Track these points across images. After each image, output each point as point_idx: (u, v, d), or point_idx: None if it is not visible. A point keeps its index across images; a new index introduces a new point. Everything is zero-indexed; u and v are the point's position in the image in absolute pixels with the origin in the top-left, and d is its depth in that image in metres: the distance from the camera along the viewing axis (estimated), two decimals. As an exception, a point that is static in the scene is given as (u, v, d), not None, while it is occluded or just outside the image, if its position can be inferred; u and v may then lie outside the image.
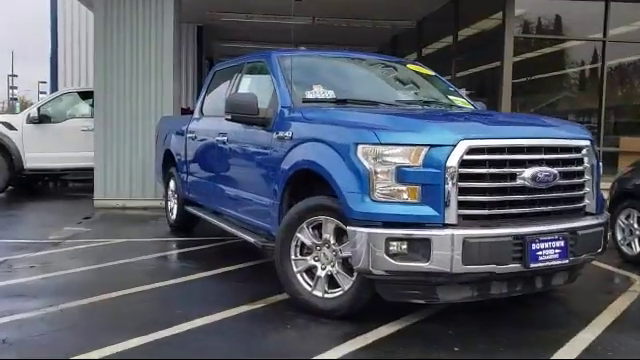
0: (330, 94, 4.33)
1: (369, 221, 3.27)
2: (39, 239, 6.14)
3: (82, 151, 9.61)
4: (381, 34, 14.04)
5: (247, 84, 5.10)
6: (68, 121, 10.06)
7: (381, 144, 3.28)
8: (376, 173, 3.27)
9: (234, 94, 4.43)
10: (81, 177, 10.70)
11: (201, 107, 6.08)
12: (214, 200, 5.47)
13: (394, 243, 3.20)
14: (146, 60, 8.50)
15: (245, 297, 4.10)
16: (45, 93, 35.72)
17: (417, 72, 5.05)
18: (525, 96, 10.03)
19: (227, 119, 4.48)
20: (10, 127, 9.78)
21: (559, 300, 4.23)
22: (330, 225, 3.63)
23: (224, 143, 5.07)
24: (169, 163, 6.86)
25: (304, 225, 3.73)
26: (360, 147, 3.33)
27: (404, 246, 3.20)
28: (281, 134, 4.10)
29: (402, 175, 3.23)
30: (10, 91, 42.85)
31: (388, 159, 3.26)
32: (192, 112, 11.98)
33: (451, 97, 4.78)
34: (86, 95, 10.42)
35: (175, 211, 6.70)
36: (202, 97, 6.13)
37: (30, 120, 9.81)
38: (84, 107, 10.46)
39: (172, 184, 6.82)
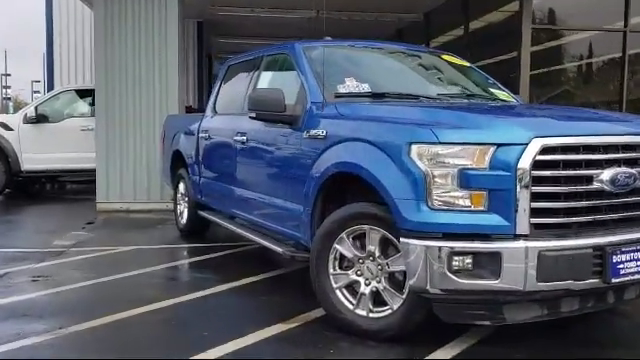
0: (365, 87, 3.88)
1: (426, 232, 2.83)
2: (41, 248, 5.67)
3: (82, 152, 9.14)
4: (386, 27, 13.58)
5: (267, 79, 4.65)
6: (67, 120, 9.56)
7: (440, 143, 2.83)
8: (434, 177, 2.83)
9: (258, 90, 3.98)
10: (79, 178, 10.22)
11: (214, 104, 5.62)
12: (231, 205, 5.02)
13: (458, 258, 2.76)
14: (149, 57, 8.01)
15: (275, 314, 3.65)
16: (39, 92, 35.10)
17: (452, 63, 4.61)
18: (542, 88, 9.62)
19: (251, 117, 4.03)
20: (6, 127, 9.27)
21: (622, 313, 3.81)
22: (375, 235, 3.19)
23: (243, 143, 4.61)
24: (178, 164, 6.40)
25: (344, 235, 3.29)
26: (414, 147, 2.88)
27: (469, 261, 2.77)
28: (312, 133, 3.65)
29: (465, 179, 2.79)
30: (3, 91, 42.12)
31: (448, 160, 2.82)
32: (195, 110, 11.60)
33: (492, 90, 4.35)
34: (84, 93, 9.93)
35: (185, 215, 6.24)
36: (215, 94, 5.67)
37: (27, 120, 9.31)
38: (83, 106, 9.97)
39: (182, 187, 6.36)
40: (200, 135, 5.63)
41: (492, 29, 10.26)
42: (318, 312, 3.61)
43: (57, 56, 14.14)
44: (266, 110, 3.90)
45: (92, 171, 8.46)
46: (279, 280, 4.56)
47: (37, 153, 9.27)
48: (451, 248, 2.76)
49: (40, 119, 9.35)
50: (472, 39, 10.60)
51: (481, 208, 2.79)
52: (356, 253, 3.27)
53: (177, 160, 6.43)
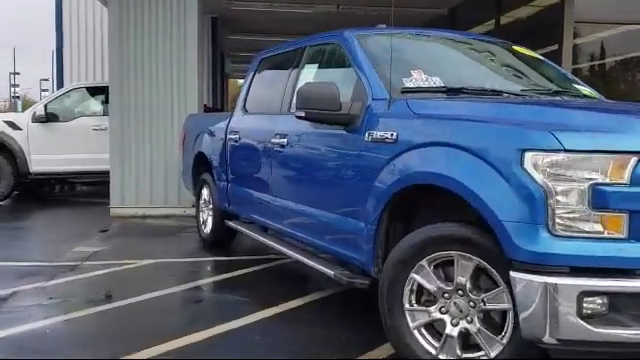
0: (436, 81, 3.22)
1: (547, 265, 2.18)
2: (52, 261, 5.04)
3: (94, 153, 8.51)
4: (408, 23, 12.92)
5: (311, 73, 3.99)
6: (78, 119, 8.92)
7: (565, 151, 2.18)
8: (556, 194, 2.18)
9: (309, 85, 3.32)
10: (90, 180, 9.59)
11: (244, 103, 4.97)
12: (265, 215, 4.36)
13: (590, 299, 2.11)
14: (167, 53, 7.36)
15: (334, 352, 3.01)
16: (47, 91, 34.46)
17: (525, 55, 3.95)
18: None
19: (298, 117, 3.37)
20: (14, 127, 8.63)
21: None
22: (467, 264, 2.53)
23: (282, 146, 3.96)
24: (201, 168, 5.76)
25: (424, 263, 2.64)
26: (529, 155, 2.22)
27: (604, 303, 2.12)
28: (377, 135, 3.00)
29: (599, 197, 2.13)
30: (12, 89, 41.51)
31: (576, 173, 2.17)
32: (213, 109, 10.95)
33: (576, 85, 3.69)
34: (96, 91, 9.30)
35: (210, 224, 5.59)
36: (245, 91, 5.01)
37: (36, 119, 8.67)
38: (95, 104, 9.33)
39: (205, 193, 5.71)
40: (228, 137, 4.98)
41: (527, 23, 9.58)
42: (384, 350, 2.98)
43: (67, 54, 13.54)
44: (318, 108, 3.24)
45: (105, 173, 7.84)
46: (324, 305, 3.90)
47: (47, 154, 8.63)
48: (584, 287, 2.11)
49: (50, 118, 8.71)
50: (504, 34, 9.91)
51: (619, 235, 2.14)
52: (440, 285, 2.61)
53: (200, 163, 5.79)
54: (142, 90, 7.34)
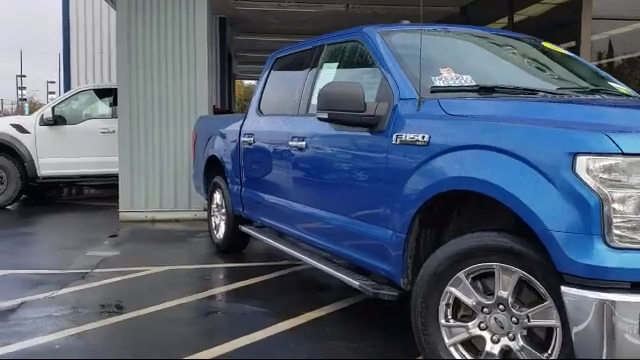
0: (467, 80, 3.03)
1: (605, 280, 1.99)
2: (61, 268, 4.87)
3: (102, 156, 8.37)
4: (418, 21, 12.73)
5: (330, 73, 3.80)
6: (86, 122, 8.77)
7: (623, 154, 1.98)
8: (613, 201, 1.98)
9: (332, 85, 3.14)
10: (99, 183, 9.45)
11: (259, 104, 4.78)
12: (282, 221, 4.18)
13: (655, 318, 1.92)
14: (176, 54, 7.19)
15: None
16: (54, 93, 34.43)
17: (556, 52, 3.75)
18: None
19: (320, 118, 3.19)
20: (21, 130, 8.49)
21: None
22: (509, 277, 2.34)
23: (301, 149, 3.78)
24: (214, 171, 5.59)
25: (461, 275, 2.45)
26: (582, 159, 2.03)
27: (669, 322, 1.93)
28: (406, 138, 2.81)
29: (662, 206, 1.94)
30: (19, 91, 41.50)
31: (635, 179, 1.98)
32: (222, 111, 10.78)
33: (612, 83, 3.49)
34: (104, 93, 9.15)
35: (222, 229, 5.42)
36: (259, 92, 4.83)
37: (43, 122, 8.52)
38: (103, 106, 9.18)
39: (217, 197, 5.54)
40: (242, 139, 4.80)
41: (541, 20, 9.36)
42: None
43: (74, 56, 13.44)
44: (341, 109, 3.06)
45: (113, 177, 7.70)
46: (347, 316, 3.71)
47: (54, 157, 8.49)
48: (647, 305, 1.92)
49: (57, 121, 8.57)
50: (517, 32, 9.71)
51: (686, 247, 1.95)
52: (480, 299, 2.42)
53: (212, 167, 5.62)
54: (151, 92, 7.17)
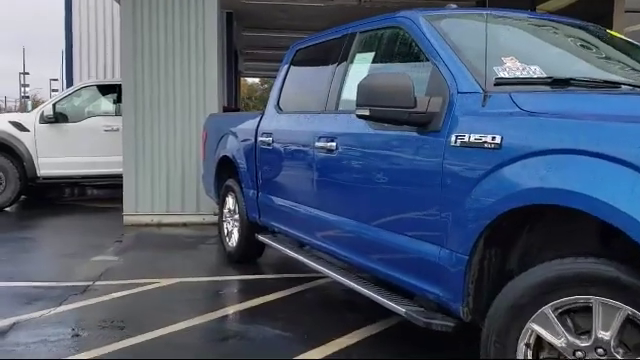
0: (536, 71, 2.54)
1: None
2: (60, 279, 4.39)
3: (106, 155, 7.89)
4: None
5: (364, 65, 3.31)
6: (88, 120, 8.27)
7: None
8: None
9: (375, 77, 2.65)
10: (101, 183, 8.97)
11: (277, 100, 4.30)
12: (308, 232, 3.68)
13: None
14: (184, 49, 6.70)
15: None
16: (57, 91, 33.93)
17: (622, 40, 3.26)
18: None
19: (360, 115, 2.70)
20: (21, 128, 7.99)
21: None
22: (612, 315, 1.85)
23: (330, 151, 3.29)
24: (226, 173, 5.10)
25: (547, 310, 1.96)
26: None
27: None
28: (470, 138, 2.31)
29: None
30: (22, 89, 40.98)
31: None
32: (232, 109, 10.29)
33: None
34: (107, 89, 8.66)
35: (236, 237, 4.93)
36: (278, 87, 4.33)
37: (44, 119, 8.02)
38: (106, 103, 8.70)
39: (230, 201, 5.05)
40: (259, 139, 4.32)
41: (566, 13, 8.86)
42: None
43: (76, 52, 12.93)
44: (387, 105, 2.57)
45: (117, 177, 7.22)
46: (386, 343, 3.22)
47: (55, 157, 7.99)
48: None
49: (58, 118, 8.07)
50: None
51: None
52: (571, 340, 1.94)
53: (224, 168, 5.13)
54: (157, 88, 6.69)
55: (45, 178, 8.06)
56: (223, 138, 5.13)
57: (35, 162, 7.96)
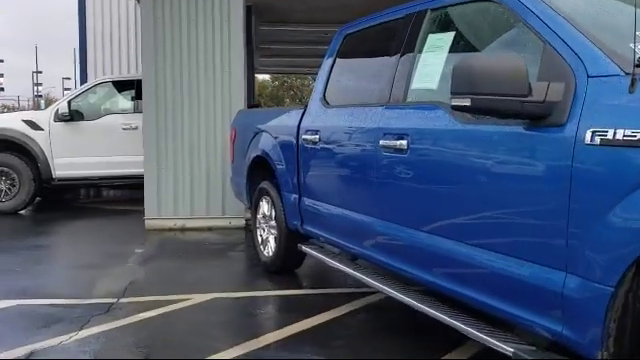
0: (688, 50, 1.98)
1: None
2: (80, 295, 3.88)
3: (124, 155, 7.39)
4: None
5: (442, 48, 2.74)
6: (105, 118, 7.76)
7: None
8: None
9: (475, 58, 2.09)
10: (120, 184, 8.46)
11: (323, 93, 3.75)
12: (366, 245, 3.11)
13: None
14: (209, 43, 6.17)
15: None
16: (70, 90, 33.60)
17: None
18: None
19: (455, 106, 2.15)
20: (35, 127, 7.50)
21: None
22: None
23: (401, 151, 2.73)
24: (259, 175, 4.57)
25: None
26: None
27: None
28: (617, 136, 1.74)
29: None
30: (35, 88, 40.69)
31: None
32: (253, 106, 9.76)
33: None
34: (125, 85, 8.14)
35: (273, 246, 4.39)
36: (325, 78, 3.78)
37: (59, 117, 7.51)
38: (123, 100, 8.18)
39: (265, 206, 4.51)
40: (303, 137, 3.77)
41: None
42: None
43: (91, 49, 12.43)
44: (494, 93, 2.02)
45: (136, 178, 6.73)
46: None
47: (71, 157, 7.49)
48: None
49: (74, 116, 7.56)
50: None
51: None
52: None
53: (258, 170, 4.60)
54: (180, 84, 6.16)
55: (61, 179, 7.55)
56: (256, 136, 4.59)
57: (50, 163, 7.46)
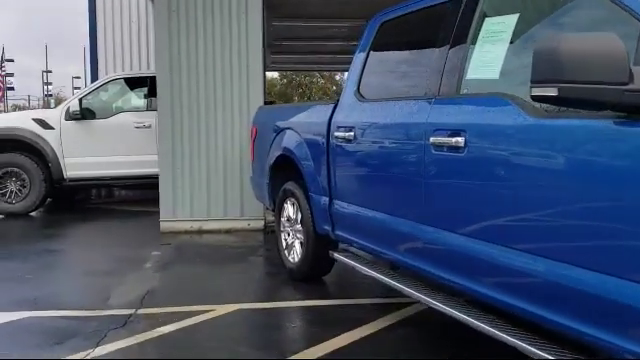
0: None
1: None
2: (95, 306, 3.58)
3: (137, 154, 7.09)
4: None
5: (503, 34, 2.41)
6: (117, 116, 7.44)
7: None
8: None
9: (566, 39, 1.75)
10: (133, 184, 8.17)
11: (358, 86, 3.43)
12: (410, 253, 2.80)
13: None
14: (226, 38, 5.85)
15: None
16: (80, 89, 33.46)
17: None
18: None
19: (535, 97, 1.82)
20: (45, 125, 7.20)
21: None
22: None
23: (456, 149, 2.41)
24: (284, 175, 4.25)
25: None
26: None
27: None
28: None
29: None
30: (45, 87, 40.58)
31: None
32: (268, 103, 9.45)
33: None
34: (137, 82, 7.82)
35: (298, 251, 4.08)
36: (359, 70, 3.45)
37: (70, 116, 7.21)
38: (136, 98, 7.88)
39: (290, 208, 4.20)
40: (334, 134, 3.45)
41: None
42: None
43: (101, 47, 12.15)
44: (587, 81, 1.69)
45: (151, 178, 6.44)
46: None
47: (83, 156, 7.19)
48: None
49: (85, 114, 7.25)
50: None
51: None
52: None
53: (282, 169, 4.28)
54: (196, 80, 5.85)
55: (72, 180, 7.26)
56: (280, 134, 4.27)
57: (61, 162, 7.17)
